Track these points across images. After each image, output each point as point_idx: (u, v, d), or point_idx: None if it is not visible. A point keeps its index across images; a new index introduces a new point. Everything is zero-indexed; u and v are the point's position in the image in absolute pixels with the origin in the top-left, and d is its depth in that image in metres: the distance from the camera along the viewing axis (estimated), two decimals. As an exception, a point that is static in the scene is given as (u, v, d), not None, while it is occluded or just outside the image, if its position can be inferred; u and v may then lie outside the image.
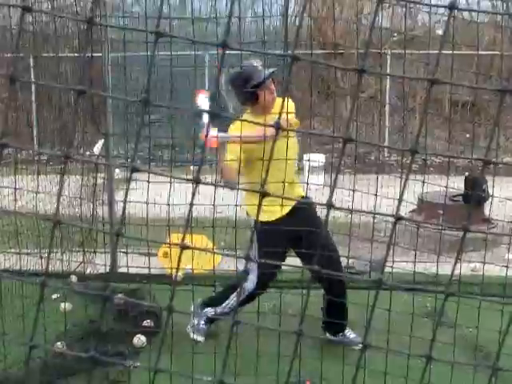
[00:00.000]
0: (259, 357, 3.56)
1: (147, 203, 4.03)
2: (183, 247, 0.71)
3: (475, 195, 6.32)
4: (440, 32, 11.92)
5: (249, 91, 4.10)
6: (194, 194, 0.69)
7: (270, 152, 1.02)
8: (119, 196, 5.76)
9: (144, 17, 4.42)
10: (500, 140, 5.28)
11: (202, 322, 4.57)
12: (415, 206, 7.15)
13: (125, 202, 0.76)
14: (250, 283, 4.28)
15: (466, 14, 10.34)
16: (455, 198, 6.74)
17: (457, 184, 5.67)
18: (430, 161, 10.73)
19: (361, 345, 3.80)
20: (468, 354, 4.21)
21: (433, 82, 0.89)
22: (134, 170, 0.72)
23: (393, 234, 0.87)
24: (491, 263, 4.21)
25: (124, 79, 4.83)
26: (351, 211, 4.06)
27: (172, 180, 3.59)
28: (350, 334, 4.49)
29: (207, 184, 0.76)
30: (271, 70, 4.22)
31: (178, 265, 0.79)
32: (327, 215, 0.79)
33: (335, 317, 4.34)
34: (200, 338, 4.53)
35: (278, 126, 0.79)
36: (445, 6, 1.00)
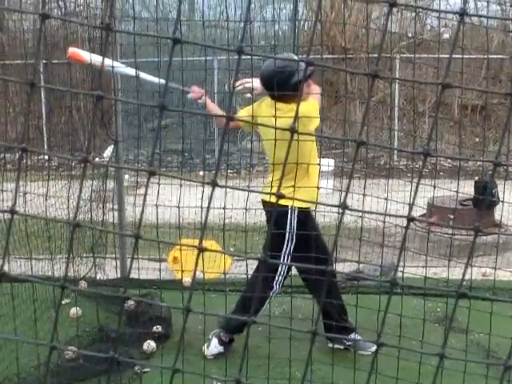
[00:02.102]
0: (270, 360, 3.56)
1: (157, 205, 4.03)
2: (201, 250, 0.71)
3: (485, 200, 6.31)
4: (447, 36, 11.91)
5: (291, 87, 3.86)
6: (211, 198, 0.70)
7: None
8: (129, 201, 5.76)
9: (153, 22, 4.44)
10: (510, 145, 5.26)
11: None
12: (425, 211, 7.14)
13: (143, 205, 0.77)
14: (276, 285, 4.20)
15: (474, 19, 10.32)
16: (465, 203, 6.73)
17: (467, 188, 5.65)
18: (439, 165, 10.70)
19: (373, 348, 3.75)
20: (480, 359, 4.19)
21: (444, 87, 0.90)
22: (153, 173, 0.72)
23: (406, 236, 0.87)
24: (503, 268, 4.19)
25: (136, 84, 4.85)
26: (362, 212, 4.06)
27: (182, 184, 3.61)
28: (358, 338, 4.46)
29: (223, 187, 0.77)
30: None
31: (195, 271, 0.80)
32: (341, 218, 0.79)
33: (333, 325, 4.11)
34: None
35: (293, 129, 0.79)
36: (455, 12, 1.00)
